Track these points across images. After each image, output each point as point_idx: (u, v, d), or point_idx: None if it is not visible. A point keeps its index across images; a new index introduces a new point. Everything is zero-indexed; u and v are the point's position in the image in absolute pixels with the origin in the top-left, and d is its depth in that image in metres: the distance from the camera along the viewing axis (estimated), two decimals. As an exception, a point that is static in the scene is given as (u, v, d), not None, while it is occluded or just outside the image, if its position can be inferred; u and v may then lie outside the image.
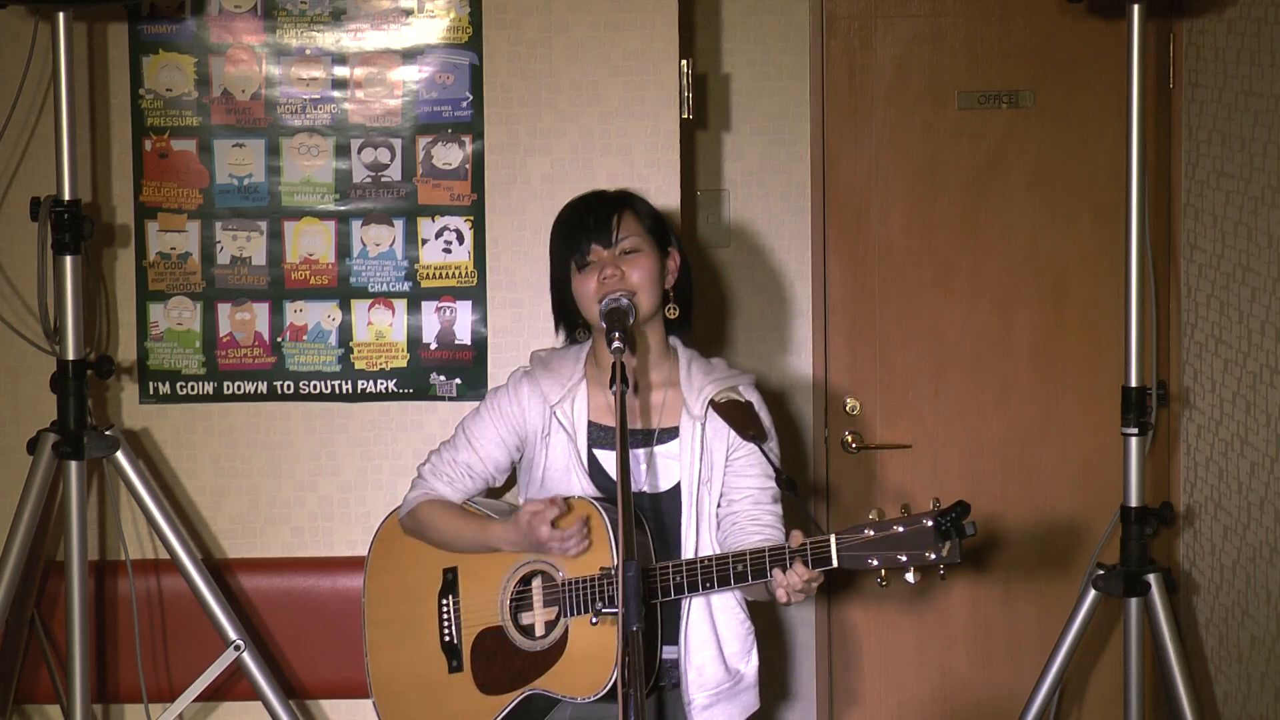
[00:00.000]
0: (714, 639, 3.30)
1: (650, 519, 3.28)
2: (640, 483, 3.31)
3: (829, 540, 3.03)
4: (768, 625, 4.22)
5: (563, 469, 3.32)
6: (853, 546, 3.02)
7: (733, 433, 3.29)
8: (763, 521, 3.29)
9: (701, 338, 4.24)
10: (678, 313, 3.36)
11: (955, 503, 2.98)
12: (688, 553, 3.28)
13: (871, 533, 3.01)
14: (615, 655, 3.12)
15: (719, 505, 3.32)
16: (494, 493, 3.60)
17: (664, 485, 3.32)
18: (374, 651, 3.48)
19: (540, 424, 3.35)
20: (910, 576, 3.02)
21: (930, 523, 2.98)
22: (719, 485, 3.31)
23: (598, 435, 3.34)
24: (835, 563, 3.02)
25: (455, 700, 3.36)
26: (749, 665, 3.36)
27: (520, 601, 3.31)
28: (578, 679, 3.21)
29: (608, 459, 3.33)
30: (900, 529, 2.99)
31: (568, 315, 3.41)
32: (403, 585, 3.45)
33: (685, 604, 3.28)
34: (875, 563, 3.00)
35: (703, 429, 3.30)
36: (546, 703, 3.28)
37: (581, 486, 3.29)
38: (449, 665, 3.38)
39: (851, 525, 3.04)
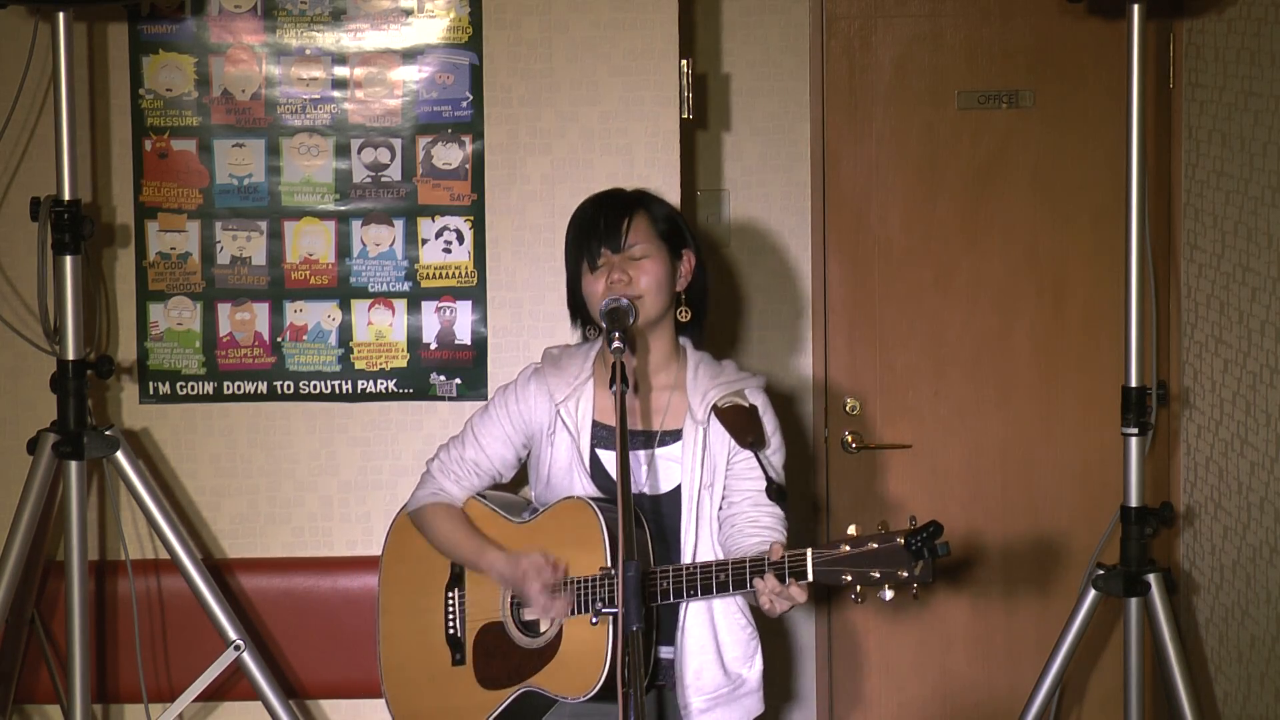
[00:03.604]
0: (713, 642, 3.30)
1: (650, 520, 3.28)
2: (641, 484, 3.31)
3: (805, 554, 3.04)
4: (769, 627, 4.22)
5: (565, 468, 3.31)
6: (829, 561, 3.03)
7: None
8: (761, 524, 3.29)
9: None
10: (689, 315, 3.36)
11: (928, 522, 2.99)
12: (686, 556, 3.27)
13: (848, 548, 3.02)
14: (606, 655, 3.13)
15: (720, 507, 3.32)
16: (505, 487, 3.59)
17: (665, 487, 3.32)
18: (386, 640, 3.49)
19: (545, 422, 3.35)
20: (885, 594, 3.03)
21: (902, 541, 2.99)
22: (720, 489, 3.31)
23: (601, 435, 3.34)
24: (810, 577, 3.04)
25: (457, 693, 3.36)
26: (752, 670, 3.35)
27: (523, 598, 3.32)
28: (570, 678, 3.21)
29: (610, 459, 3.32)
30: (875, 546, 3.00)
31: (582, 311, 3.40)
32: (415, 575, 3.46)
33: (683, 605, 3.28)
34: (849, 578, 3.02)
35: (705, 433, 3.30)
36: (545, 700, 3.28)
37: (583, 486, 3.29)
38: (453, 658, 3.39)
39: (830, 540, 3.06)
